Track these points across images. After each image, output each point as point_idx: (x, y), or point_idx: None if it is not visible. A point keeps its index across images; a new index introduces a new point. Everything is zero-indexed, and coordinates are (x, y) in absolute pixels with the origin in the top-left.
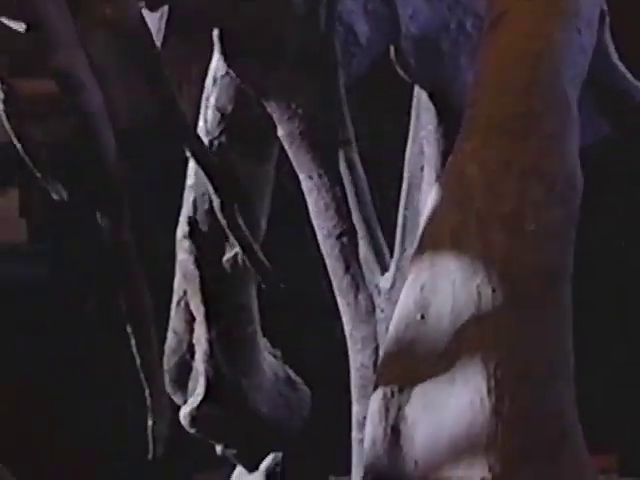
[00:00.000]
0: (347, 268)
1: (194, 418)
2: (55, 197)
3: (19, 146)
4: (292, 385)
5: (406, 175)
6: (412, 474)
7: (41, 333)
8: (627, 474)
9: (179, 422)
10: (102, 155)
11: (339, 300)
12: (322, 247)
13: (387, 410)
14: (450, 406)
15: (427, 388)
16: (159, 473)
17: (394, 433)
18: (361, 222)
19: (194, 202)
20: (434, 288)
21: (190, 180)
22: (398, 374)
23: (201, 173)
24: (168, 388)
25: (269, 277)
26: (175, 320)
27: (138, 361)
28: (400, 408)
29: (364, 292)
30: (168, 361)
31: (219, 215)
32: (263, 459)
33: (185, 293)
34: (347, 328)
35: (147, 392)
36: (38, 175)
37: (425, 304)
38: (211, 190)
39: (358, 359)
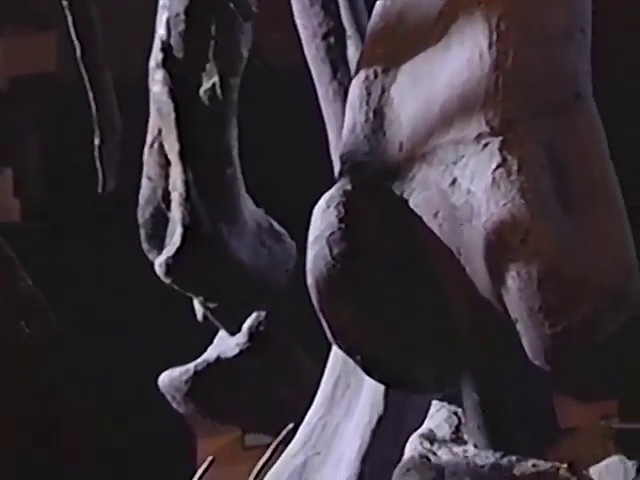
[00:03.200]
0: (334, 73)
1: (169, 267)
2: None
3: None
4: (276, 236)
5: None
6: (396, 156)
7: None
8: (628, 420)
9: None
10: None
11: (324, 111)
12: (306, 51)
13: (369, 94)
14: (443, 72)
15: (417, 62)
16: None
17: (377, 117)
18: (350, 19)
19: (167, 23)
20: None
21: None
22: (383, 53)
23: None
24: (143, 245)
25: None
26: (149, 165)
27: (78, 52)
28: (384, 90)
29: None
30: (142, 213)
31: None
32: (245, 319)
33: (160, 132)
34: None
35: (91, 96)
36: None
37: None
38: None
39: None
